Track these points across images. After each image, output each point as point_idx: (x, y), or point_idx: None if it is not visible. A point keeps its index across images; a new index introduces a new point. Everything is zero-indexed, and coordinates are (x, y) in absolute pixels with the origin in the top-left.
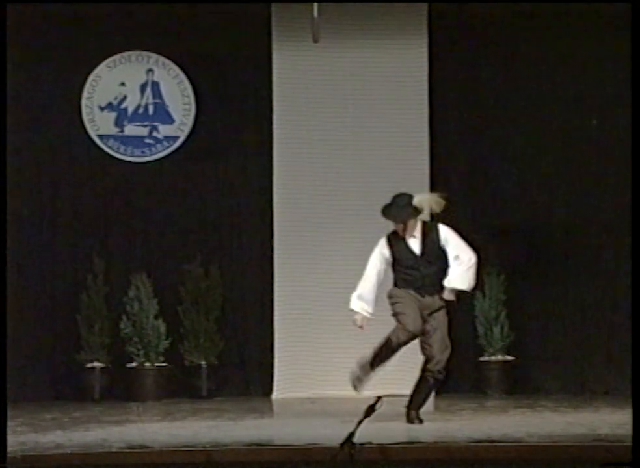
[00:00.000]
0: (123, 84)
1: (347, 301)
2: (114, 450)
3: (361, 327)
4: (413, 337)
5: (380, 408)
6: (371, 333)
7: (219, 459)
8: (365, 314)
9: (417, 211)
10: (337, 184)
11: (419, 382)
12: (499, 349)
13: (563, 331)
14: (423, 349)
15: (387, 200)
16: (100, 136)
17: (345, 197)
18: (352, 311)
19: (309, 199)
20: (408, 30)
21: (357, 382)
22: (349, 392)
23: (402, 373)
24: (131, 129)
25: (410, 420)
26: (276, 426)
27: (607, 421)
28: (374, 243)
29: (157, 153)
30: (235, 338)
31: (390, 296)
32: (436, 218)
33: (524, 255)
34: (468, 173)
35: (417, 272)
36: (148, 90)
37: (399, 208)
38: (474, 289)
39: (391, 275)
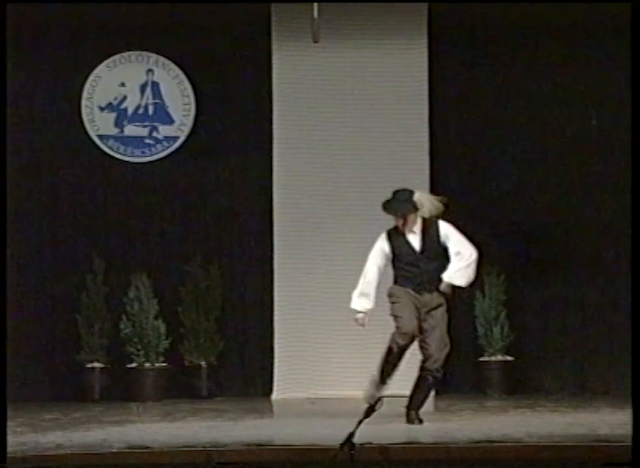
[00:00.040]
0: (123, 84)
1: (347, 301)
2: (114, 450)
3: (362, 325)
4: (411, 339)
5: (380, 408)
6: (372, 332)
7: (219, 459)
8: (366, 312)
9: (417, 206)
10: (337, 184)
11: (418, 381)
12: (499, 349)
13: (563, 331)
14: (421, 348)
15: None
16: (100, 137)
17: (345, 197)
18: (353, 310)
19: (309, 199)
20: (408, 30)
21: (372, 400)
22: (349, 392)
23: (402, 373)
24: (131, 129)
25: (410, 420)
26: (276, 426)
27: (607, 421)
28: (374, 243)
29: (157, 153)
30: (235, 338)
31: (390, 295)
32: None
33: (524, 255)
34: (468, 173)
35: (416, 268)
36: (148, 90)
37: (400, 203)
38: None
39: (391, 272)
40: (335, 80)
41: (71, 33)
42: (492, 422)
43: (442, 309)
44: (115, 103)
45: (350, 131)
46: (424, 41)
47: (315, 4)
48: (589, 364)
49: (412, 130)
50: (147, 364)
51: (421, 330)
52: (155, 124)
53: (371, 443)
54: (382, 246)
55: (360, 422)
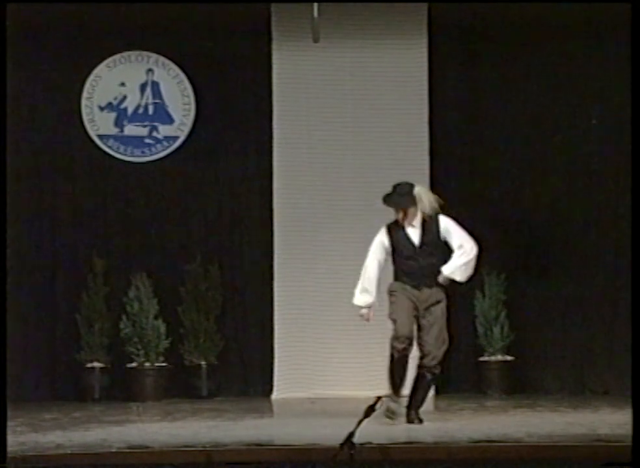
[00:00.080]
0: (123, 84)
1: (348, 301)
2: (114, 450)
3: (367, 320)
4: (409, 342)
5: (380, 408)
6: (372, 332)
7: (219, 459)
8: (369, 306)
9: (417, 200)
10: (337, 184)
11: (417, 380)
12: (499, 349)
13: (563, 331)
14: (419, 345)
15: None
16: (100, 136)
17: (345, 197)
18: (356, 305)
19: (309, 199)
20: (408, 30)
21: (391, 414)
22: (349, 392)
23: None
24: (130, 129)
25: (410, 420)
26: (276, 426)
27: (607, 421)
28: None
29: (157, 153)
30: (235, 338)
31: (389, 294)
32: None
33: (524, 255)
34: (468, 172)
35: (415, 263)
36: (148, 90)
37: (400, 197)
38: (473, 287)
39: (392, 268)
40: (335, 80)
41: (71, 33)
42: (492, 422)
43: (442, 306)
44: (115, 102)
45: (350, 131)
46: (424, 41)
47: (315, 4)
48: (589, 364)
49: (412, 130)
50: (147, 364)
51: (419, 327)
52: (155, 124)
53: (371, 443)
54: (381, 240)
55: (360, 422)
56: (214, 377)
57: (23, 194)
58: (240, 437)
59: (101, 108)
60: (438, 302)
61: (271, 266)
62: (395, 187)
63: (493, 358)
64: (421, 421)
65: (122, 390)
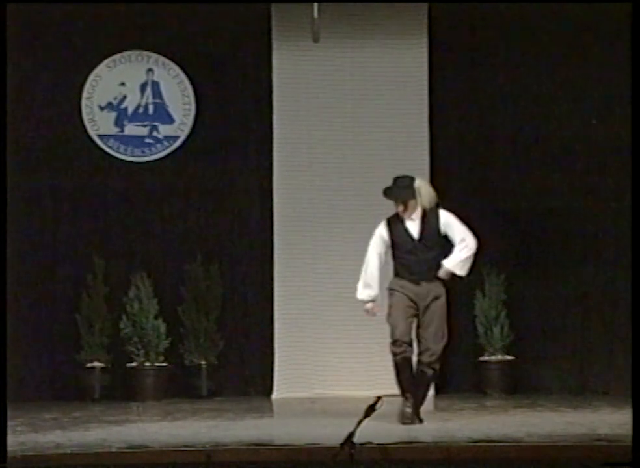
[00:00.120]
0: (123, 83)
1: (347, 301)
2: (114, 450)
3: (374, 314)
4: (407, 345)
5: (380, 408)
6: (372, 332)
7: (219, 459)
8: (374, 300)
9: (417, 193)
10: (337, 184)
11: (417, 377)
12: (499, 349)
13: (563, 330)
14: (418, 341)
15: (387, 201)
16: (100, 136)
17: (345, 197)
18: (361, 300)
19: (309, 199)
20: (408, 30)
21: (406, 419)
22: (349, 392)
23: None
24: (131, 129)
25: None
26: (276, 426)
27: (607, 421)
28: None
29: (157, 152)
30: (235, 338)
31: (388, 292)
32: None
33: (524, 255)
34: (468, 172)
35: (414, 256)
36: (148, 89)
37: (400, 189)
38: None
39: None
40: (336, 80)
41: (71, 33)
42: (492, 422)
43: (441, 301)
44: (115, 102)
45: (350, 131)
46: (424, 41)
47: (315, 4)
48: (589, 364)
49: (412, 130)
50: (147, 364)
51: (418, 324)
52: (155, 123)
53: (371, 443)
54: (381, 233)
55: (360, 422)
56: (214, 377)
57: (23, 193)
58: (240, 437)
59: (101, 108)
60: (438, 298)
61: (271, 266)
62: (396, 180)
63: (493, 358)
64: (421, 421)
65: (122, 390)
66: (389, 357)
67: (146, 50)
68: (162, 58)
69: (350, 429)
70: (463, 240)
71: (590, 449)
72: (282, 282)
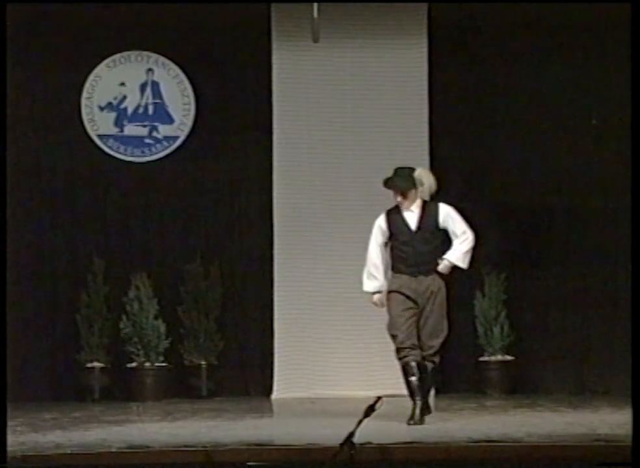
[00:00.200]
0: (123, 84)
1: (347, 301)
2: (114, 450)
3: (382, 305)
4: (411, 348)
5: (380, 408)
6: (372, 332)
7: (219, 459)
8: (380, 291)
9: (417, 183)
10: (337, 184)
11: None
12: (499, 349)
13: (563, 330)
14: (417, 335)
15: (388, 200)
16: (100, 136)
17: (345, 197)
18: (366, 292)
19: (309, 198)
20: (408, 30)
21: (411, 421)
22: (349, 392)
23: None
24: (130, 129)
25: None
26: (276, 426)
27: (607, 421)
28: None
29: (156, 152)
30: (235, 338)
31: (386, 296)
32: (436, 199)
33: (524, 255)
34: (468, 173)
35: (411, 248)
36: (148, 89)
37: (400, 179)
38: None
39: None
40: (335, 80)
41: (71, 33)
42: (492, 422)
43: (440, 296)
44: (115, 102)
45: (350, 131)
46: (424, 41)
47: (315, 4)
48: (589, 364)
49: (412, 130)
50: (147, 364)
51: (418, 318)
52: (155, 124)
53: (371, 443)
54: (380, 224)
55: (360, 422)
56: (214, 377)
57: (23, 193)
58: (240, 437)
59: (101, 108)
60: (435, 292)
61: (271, 266)
62: (396, 170)
63: (493, 358)
64: (422, 421)
65: (122, 390)
66: (390, 357)
67: (146, 50)
68: (162, 58)
69: (350, 429)
70: (464, 232)
71: (590, 449)
72: (282, 282)
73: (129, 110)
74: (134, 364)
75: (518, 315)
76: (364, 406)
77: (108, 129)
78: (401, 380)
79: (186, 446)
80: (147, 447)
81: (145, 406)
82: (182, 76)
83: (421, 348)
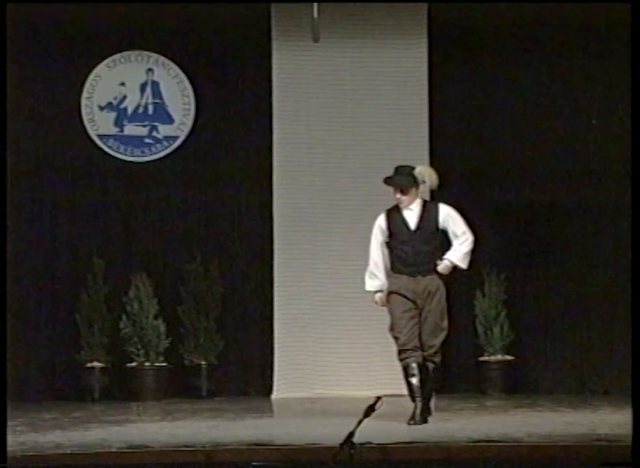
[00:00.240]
0: (123, 83)
1: (347, 301)
2: (114, 450)
3: (383, 305)
4: (412, 349)
5: (380, 408)
6: (372, 332)
7: (219, 459)
8: (382, 290)
9: (417, 181)
10: (337, 183)
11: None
12: (499, 349)
13: (563, 331)
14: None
15: (388, 200)
16: (100, 136)
17: (345, 197)
18: (369, 292)
19: (309, 198)
20: (407, 30)
21: (411, 421)
22: (349, 392)
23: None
24: (130, 129)
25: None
26: (276, 425)
27: (607, 421)
28: None
29: (156, 152)
30: (235, 338)
31: (387, 298)
32: (437, 198)
33: (524, 255)
34: (468, 172)
35: (410, 248)
36: (148, 89)
37: (400, 176)
38: (473, 287)
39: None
40: (335, 80)
41: (71, 33)
42: (492, 422)
43: (439, 295)
44: (115, 102)
45: (350, 131)
46: (424, 41)
47: (315, 4)
48: (589, 364)
49: (412, 130)
50: (147, 364)
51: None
52: (155, 123)
53: (371, 443)
54: (379, 223)
55: (360, 422)
56: (214, 377)
57: (23, 193)
58: (240, 437)
59: (101, 108)
60: (434, 292)
61: (271, 266)
62: (397, 168)
63: (493, 358)
64: (426, 420)
65: (122, 390)
66: (390, 357)
67: (146, 50)
68: (162, 58)
69: (350, 429)
70: (464, 233)
71: (590, 449)
72: (282, 282)
73: (129, 110)
74: (134, 364)
75: (518, 315)
76: (364, 406)
77: (108, 129)
78: (401, 380)
79: (186, 446)
80: (147, 447)
81: (145, 406)
82: (182, 76)
83: (422, 348)
